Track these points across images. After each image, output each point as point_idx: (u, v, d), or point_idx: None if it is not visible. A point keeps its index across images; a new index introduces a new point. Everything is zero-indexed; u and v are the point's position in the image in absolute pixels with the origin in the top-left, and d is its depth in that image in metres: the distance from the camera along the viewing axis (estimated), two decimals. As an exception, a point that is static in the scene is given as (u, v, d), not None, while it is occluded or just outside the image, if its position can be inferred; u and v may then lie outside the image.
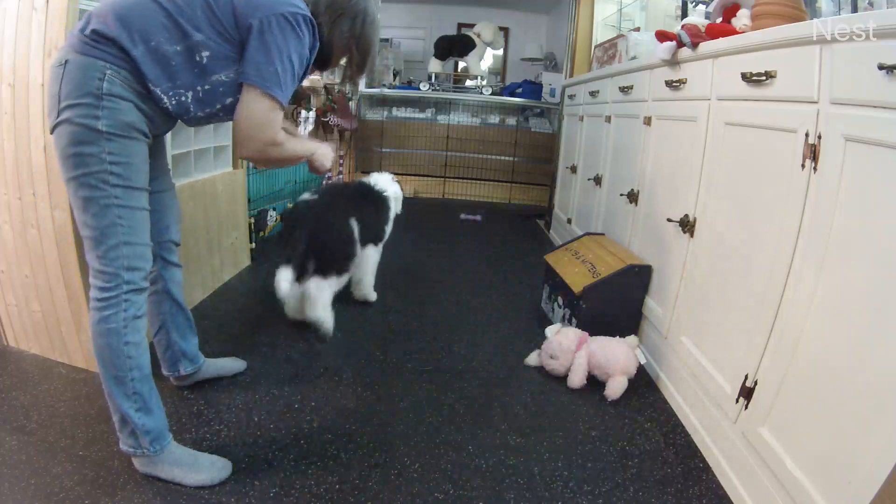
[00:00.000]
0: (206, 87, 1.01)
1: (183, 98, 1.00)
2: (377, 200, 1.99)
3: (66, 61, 0.90)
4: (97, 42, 0.91)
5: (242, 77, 1.00)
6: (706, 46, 1.40)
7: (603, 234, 2.16)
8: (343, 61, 1.23)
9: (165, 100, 0.97)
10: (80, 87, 0.89)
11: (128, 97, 0.93)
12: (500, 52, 5.29)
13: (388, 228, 2.07)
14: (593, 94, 2.58)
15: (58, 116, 0.91)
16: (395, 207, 2.10)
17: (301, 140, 1.21)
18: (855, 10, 1.43)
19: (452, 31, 5.09)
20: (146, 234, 1.02)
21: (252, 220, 2.37)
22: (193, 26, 0.96)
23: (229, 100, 1.05)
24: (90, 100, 0.90)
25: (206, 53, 0.98)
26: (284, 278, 1.47)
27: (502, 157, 4.32)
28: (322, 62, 1.19)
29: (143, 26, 0.93)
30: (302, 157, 1.20)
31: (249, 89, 1.00)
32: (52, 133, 0.93)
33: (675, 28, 1.58)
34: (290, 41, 0.99)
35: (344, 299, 2.05)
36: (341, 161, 3.82)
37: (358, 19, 1.16)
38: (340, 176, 3.78)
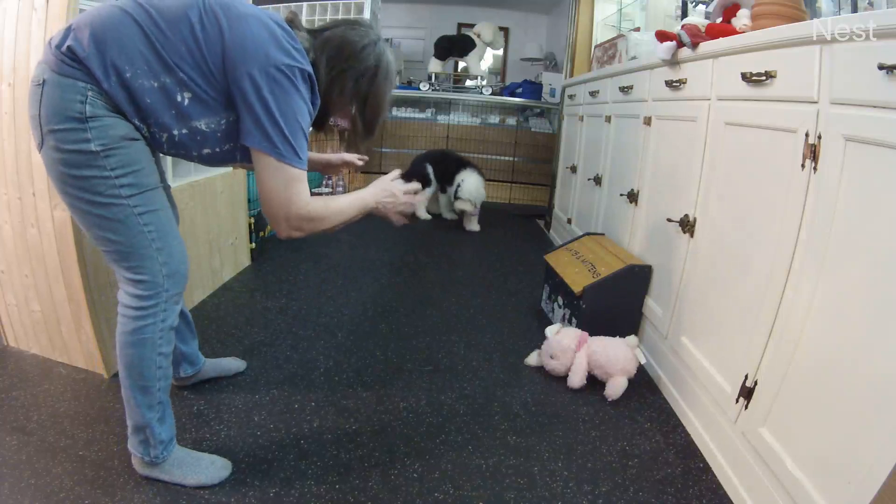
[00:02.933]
0: (184, 131, 0.91)
1: (157, 136, 0.91)
2: (450, 156, 3.49)
3: (44, 81, 0.83)
4: (74, 61, 0.82)
5: (250, 142, 0.89)
6: (706, 46, 1.40)
7: (603, 234, 2.16)
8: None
9: (145, 128, 0.90)
10: (61, 111, 0.82)
11: (114, 115, 0.86)
12: (500, 52, 5.30)
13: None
14: (593, 94, 2.58)
15: (43, 141, 0.85)
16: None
17: (343, 197, 1.02)
18: (855, 10, 1.43)
19: (452, 31, 5.10)
20: (175, 230, 0.98)
21: (252, 220, 2.37)
22: (175, 62, 0.86)
23: (206, 150, 0.95)
24: (74, 124, 0.83)
25: (187, 95, 0.88)
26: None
27: (502, 157, 4.33)
28: (316, 122, 1.04)
29: (119, 51, 0.83)
30: (358, 215, 1.04)
31: (262, 158, 0.89)
32: (39, 152, 0.87)
33: (675, 28, 1.58)
34: (291, 99, 0.89)
35: (345, 299, 2.05)
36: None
37: (366, 76, 1.00)
38: (340, 177, 3.77)
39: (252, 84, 0.86)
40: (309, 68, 0.92)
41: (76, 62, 0.82)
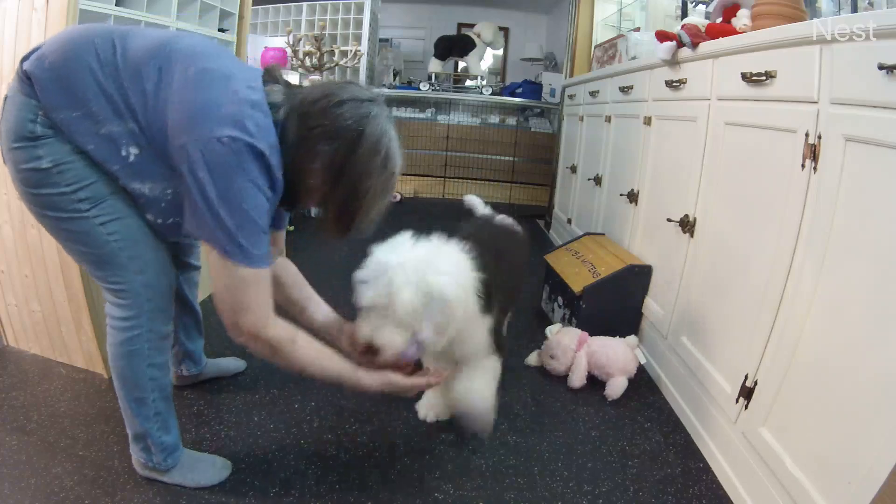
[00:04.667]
0: (129, 188, 0.84)
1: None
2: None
3: (6, 98, 0.80)
4: (30, 83, 0.79)
5: (190, 227, 0.79)
6: (706, 46, 1.40)
7: (603, 234, 2.16)
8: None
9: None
10: (14, 130, 0.79)
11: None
12: (500, 52, 5.30)
13: None
14: (593, 94, 2.58)
15: (3, 157, 0.84)
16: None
17: (327, 356, 0.88)
18: (855, 10, 1.43)
19: (452, 31, 5.10)
20: (148, 238, 0.90)
21: (252, 220, 2.37)
22: (125, 112, 0.77)
23: (149, 216, 0.87)
24: (27, 143, 0.79)
25: (134, 151, 0.80)
26: None
27: (502, 157, 4.32)
28: (286, 201, 0.86)
29: (71, 88, 0.77)
30: (331, 380, 0.89)
31: (210, 249, 0.78)
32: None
33: (675, 28, 1.58)
34: (234, 181, 0.73)
35: (345, 299, 2.04)
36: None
37: (342, 140, 0.79)
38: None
39: (187, 159, 0.74)
40: (262, 146, 0.76)
41: (31, 85, 0.79)
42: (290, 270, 1.13)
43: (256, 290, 0.79)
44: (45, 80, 0.78)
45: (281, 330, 0.83)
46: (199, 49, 0.82)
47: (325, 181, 0.81)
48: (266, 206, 0.78)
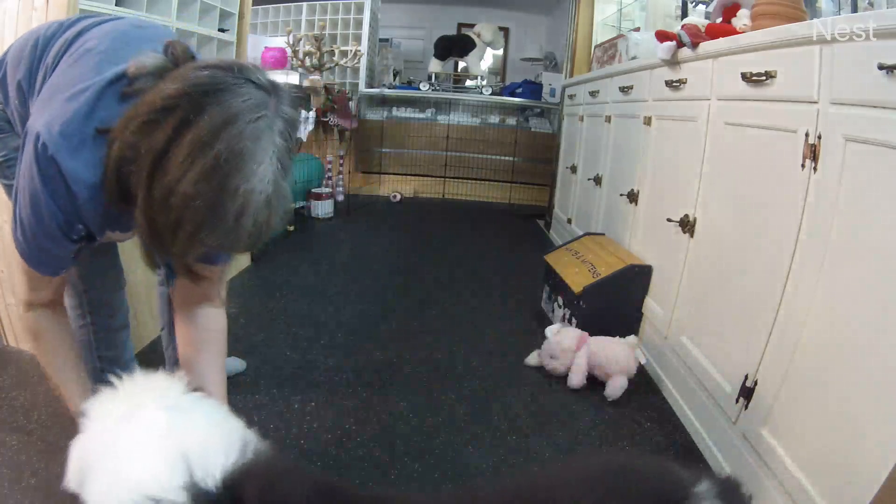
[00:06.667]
0: None
1: None
2: None
3: None
4: None
5: None
6: (706, 46, 1.40)
7: (603, 234, 2.16)
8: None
9: None
10: None
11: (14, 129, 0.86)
12: (500, 52, 5.30)
13: None
14: (593, 94, 2.58)
15: None
16: None
17: (72, 369, 0.81)
18: (855, 10, 1.43)
19: (452, 31, 5.10)
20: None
21: (252, 220, 2.36)
22: (30, 101, 0.76)
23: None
24: None
25: None
26: None
27: (502, 157, 4.32)
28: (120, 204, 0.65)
29: (11, 77, 0.80)
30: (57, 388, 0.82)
31: None
32: None
33: (675, 28, 1.58)
34: (28, 181, 0.65)
35: (345, 299, 2.05)
36: (341, 161, 3.82)
37: (172, 121, 0.55)
38: (340, 177, 3.78)
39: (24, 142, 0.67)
40: (57, 155, 0.63)
41: None
42: (204, 332, 0.88)
43: (30, 280, 0.76)
44: (1, 74, 0.82)
45: (36, 321, 0.78)
46: (104, 31, 0.75)
47: (146, 173, 0.56)
48: (55, 221, 0.68)
